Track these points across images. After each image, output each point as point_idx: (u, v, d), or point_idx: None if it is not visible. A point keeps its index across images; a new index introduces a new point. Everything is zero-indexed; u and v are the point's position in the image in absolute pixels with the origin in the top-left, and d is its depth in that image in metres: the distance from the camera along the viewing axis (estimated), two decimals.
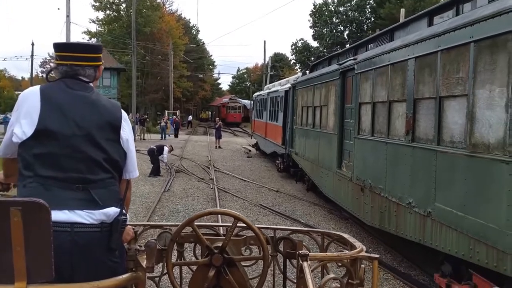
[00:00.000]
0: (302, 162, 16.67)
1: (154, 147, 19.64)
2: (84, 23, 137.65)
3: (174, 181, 17.94)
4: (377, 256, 3.07)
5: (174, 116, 50.47)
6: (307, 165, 15.79)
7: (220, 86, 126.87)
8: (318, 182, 14.28)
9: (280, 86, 24.11)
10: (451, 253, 6.23)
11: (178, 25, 70.17)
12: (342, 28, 68.96)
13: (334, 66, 12.82)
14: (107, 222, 2.54)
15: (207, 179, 18.51)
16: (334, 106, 12.32)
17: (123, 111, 2.83)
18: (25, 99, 2.61)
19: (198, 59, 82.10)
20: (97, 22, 62.89)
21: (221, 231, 3.83)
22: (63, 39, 31.09)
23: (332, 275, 3.01)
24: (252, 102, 42.91)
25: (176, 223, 3.63)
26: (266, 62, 65.25)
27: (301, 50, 74.01)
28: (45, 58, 74.30)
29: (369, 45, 11.23)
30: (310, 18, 71.08)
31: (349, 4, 67.56)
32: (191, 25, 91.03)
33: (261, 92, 32.65)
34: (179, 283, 3.70)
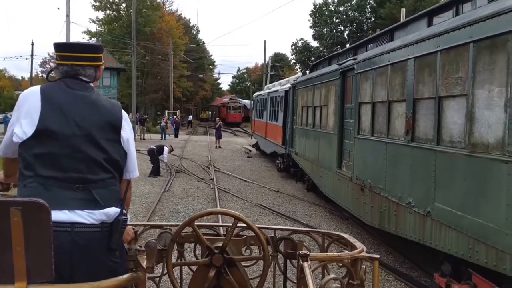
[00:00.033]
0: (302, 162, 16.68)
1: (154, 147, 19.62)
2: (84, 23, 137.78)
3: (174, 181, 17.91)
4: (377, 256, 3.06)
5: (174, 116, 50.44)
6: (307, 165, 15.80)
7: (220, 86, 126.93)
8: (318, 182, 14.29)
9: (280, 86, 24.11)
10: (451, 252, 6.24)
11: (178, 25, 70.15)
12: (342, 28, 68.88)
13: (334, 66, 12.83)
14: (108, 222, 2.55)
15: (207, 179, 18.48)
16: (334, 106, 12.32)
17: (123, 111, 2.83)
18: (25, 99, 2.61)
19: (198, 59, 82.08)
20: (97, 22, 62.99)
21: (221, 231, 3.83)
22: (63, 39, 31.13)
23: (332, 276, 3.01)
24: (252, 102, 42.91)
25: (176, 223, 3.61)
26: (266, 62, 65.26)
27: (301, 50, 73.94)
28: (45, 58, 74.37)
29: (369, 45, 11.24)
30: (310, 18, 71.02)
31: (349, 4, 67.47)
32: (191, 25, 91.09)
33: (261, 92, 32.64)
34: (179, 283, 3.69)
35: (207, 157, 26.49)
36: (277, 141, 22.12)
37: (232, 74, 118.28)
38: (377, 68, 9.22)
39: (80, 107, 2.62)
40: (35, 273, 2.09)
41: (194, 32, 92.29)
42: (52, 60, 66.20)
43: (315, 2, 70.30)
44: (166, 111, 54.62)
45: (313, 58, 56.03)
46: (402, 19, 21.55)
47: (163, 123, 42.16)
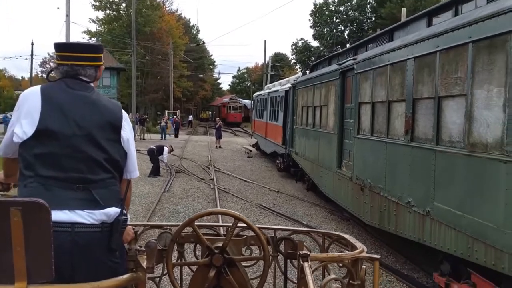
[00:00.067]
0: (302, 162, 16.69)
1: (154, 147, 19.59)
2: (84, 23, 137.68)
3: (174, 181, 17.89)
4: (378, 256, 3.05)
5: (175, 116, 50.42)
6: (307, 165, 15.81)
7: (221, 86, 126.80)
8: (318, 182, 14.29)
9: (280, 86, 24.12)
10: (450, 252, 6.26)
11: (178, 24, 70.09)
12: (342, 28, 68.86)
13: (334, 66, 12.84)
14: (108, 222, 2.55)
15: (208, 180, 18.45)
16: (334, 106, 12.34)
17: (123, 111, 2.83)
18: (25, 99, 2.61)
19: (198, 58, 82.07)
20: (97, 22, 62.93)
21: (222, 231, 3.82)
22: (62, 39, 31.15)
23: (333, 276, 3.00)
24: (252, 102, 42.91)
25: (177, 223, 3.61)
26: (266, 62, 65.25)
27: (302, 50, 73.92)
28: (45, 58, 74.36)
29: (369, 45, 11.24)
30: (311, 18, 70.99)
31: (349, 3, 67.45)
32: (191, 24, 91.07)
33: (261, 92, 32.64)
34: (179, 283, 3.68)
35: (207, 157, 26.47)
36: (277, 141, 22.13)
37: (232, 74, 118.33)
38: (376, 68, 9.24)
39: (80, 107, 2.62)
40: (35, 273, 2.09)
41: (194, 32, 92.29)
42: (52, 60, 66.19)
43: (315, 2, 70.39)
44: (166, 111, 54.60)
45: (313, 58, 56.02)
46: (403, 18, 21.52)
47: (163, 123, 42.14)
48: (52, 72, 2.97)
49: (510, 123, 5.10)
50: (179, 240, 3.53)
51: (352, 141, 10.79)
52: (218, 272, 3.26)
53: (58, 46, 2.78)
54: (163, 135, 40.72)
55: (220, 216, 10.22)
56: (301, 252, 2.80)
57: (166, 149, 20.21)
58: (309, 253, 2.78)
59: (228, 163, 24.65)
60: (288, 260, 3.72)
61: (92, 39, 58.47)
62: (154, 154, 19.34)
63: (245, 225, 3.32)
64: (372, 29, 56.27)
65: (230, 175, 19.98)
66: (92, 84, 2.78)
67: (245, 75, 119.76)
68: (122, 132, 2.73)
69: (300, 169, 17.51)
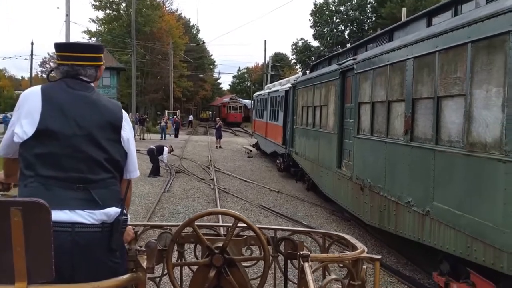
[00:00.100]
0: (302, 161, 16.70)
1: (154, 147, 19.56)
2: (84, 23, 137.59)
3: (174, 181, 17.85)
4: (378, 257, 3.04)
5: (175, 116, 50.40)
6: (307, 165, 15.82)
7: (221, 85, 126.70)
8: (318, 182, 14.31)
9: (281, 86, 24.12)
10: (449, 251, 6.27)
11: (178, 24, 70.04)
12: (342, 28, 68.85)
13: (334, 66, 12.85)
14: (108, 222, 2.55)
15: (208, 180, 18.42)
16: (334, 106, 12.35)
17: (123, 111, 2.84)
18: (26, 99, 2.62)
19: (199, 58, 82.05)
20: (97, 22, 62.89)
21: (222, 231, 3.82)
22: (62, 39, 31.22)
23: (333, 276, 2.99)
24: (252, 102, 42.92)
25: (177, 223, 3.60)
26: (266, 62, 65.24)
27: (302, 49, 73.93)
28: (45, 58, 74.37)
29: (369, 45, 11.25)
30: (311, 18, 70.98)
31: (349, 3, 67.44)
32: (191, 24, 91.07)
33: (261, 92, 32.62)
34: (179, 283, 3.68)
35: (207, 157, 26.45)
36: (277, 141, 22.13)
37: (233, 74, 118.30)
38: (376, 68, 9.25)
39: (80, 107, 2.62)
40: (35, 273, 2.09)
41: (194, 32, 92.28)
42: (52, 60, 66.24)
43: (315, 1, 70.40)
44: (166, 111, 54.59)
45: (313, 57, 56.04)
46: (404, 18, 21.52)
47: (163, 123, 42.11)
48: (53, 72, 2.97)
49: (509, 123, 5.12)
50: (179, 240, 3.52)
51: (352, 141, 10.80)
52: (218, 272, 3.25)
53: (58, 46, 2.79)
54: (163, 135, 40.69)
55: (220, 216, 10.21)
56: (301, 252, 2.79)
57: (166, 149, 20.19)
58: (309, 253, 2.78)
59: (228, 163, 24.63)
60: (289, 261, 3.71)
61: (92, 39, 58.50)
62: (154, 154, 19.31)
63: (245, 225, 3.31)
64: (373, 29, 56.24)
65: (230, 175, 19.96)
66: (92, 84, 2.78)
67: (245, 75, 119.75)
68: (122, 132, 2.73)
69: (300, 169, 17.51)
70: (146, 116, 48.45)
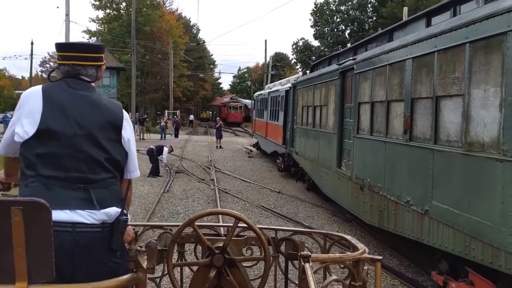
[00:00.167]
0: (302, 161, 16.72)
1: (154, 147, 19.51)
2: (84, 22, 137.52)
3: (174, 181, 17.81)
4: (379, 257, 3.03)
5: (175, 116, 50.35)
6: (308, 165, 15.84)
7: (221, 85, 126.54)
8: (318, 181, 14.32)
9: (281, 85, 24.13)
10: (448, 250, 6.30)
11: (178, 24, 69.94)
12: (343, 27, 68.77)
13: (334, 66, 12.87)
14: (108, 222, 2.56)
15: (208, 180, 18.38)
16: (334, 106, 12.37)
17: (124, 111, 2.84)
18: (27, 98, 2.63)
19: (199, 58, 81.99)
20: (97, 21, 62.82)
21: (222, 231, 3.81)
22: (62, 38, 31.24)
23: (334, 277, 2.98)
24: (253, 101, 42.91)
25: (177, 224, 3.58)
26: (267, 62, 65.21)
27: (302, 49, 73.84)
28: (45, 57, 74.28)
29: (369, 45, 11.27)
30: (311, 17, 70.92)
31: (350, 3, 67.34)
32: (191, 24, 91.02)
33: (262, 92, 32.61)
34: (179, 284, 3.67)
35: (207, 157, 26.42)
36: (278, 140, 22.14)
37: (233, 73, 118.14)
38: (376, 68, 9.28)
39: (81, 107, 2.63)
40: (35, 273, 2.10)
41: (194, 31, 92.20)
42: (52, 60, 66.18)
43: (316, 1, 70.26)
44: (166, 111, 54.55)
45: (314, 57, 56.01)
46: (405, 18, 21.54)
47: (163, 123, 42.06)
48: (54, 72, 2.99)
49: (506, 123, 5.15)
50: (180, 240, 3.52)
51: (351, 140, 10.82)
52: (219, 272, 3.24)
53: (59, 46, 2.80)
54: (163, 135, 40.66)
55: (220, 216, 10.21)
56: (302, 253, 2.78)
57: (166, 149, 20.16)
58: (310, 253, 2.77)
59: (228, 163, 24.59)
60: (289, 261, 3.70)
61: (92, 38, 58.47)
62: (154, 154, 19.27)
63: (245, 225, 3.30)
64: (373, 29, 56.19)
65: (231, 176, 19.91)
66: (93, 84, 2.79)
67: (246, 75, 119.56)
68: (123, 132, 2.74)
69: (300, 169, 17.52)
70: (146, 116, 48.42)
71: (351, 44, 20.40)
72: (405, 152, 7.74)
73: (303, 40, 75.06)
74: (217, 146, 33.65)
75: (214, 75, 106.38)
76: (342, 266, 3.33)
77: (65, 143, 2.53)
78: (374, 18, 65.04)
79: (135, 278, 2.63)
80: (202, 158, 26.47)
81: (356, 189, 10.23)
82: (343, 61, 11.90)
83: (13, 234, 2.00)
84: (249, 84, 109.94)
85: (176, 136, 43.77)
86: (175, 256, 3.53)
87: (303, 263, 2.72)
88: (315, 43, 71.91)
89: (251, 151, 29.68)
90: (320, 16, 69.45)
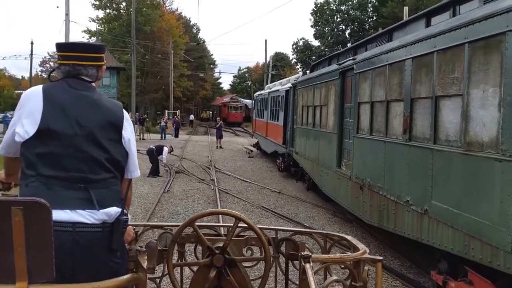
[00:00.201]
0: (302, 161, 16.73)
1: (153, 147, 19.47)
2: (84, 22, 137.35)
3: (174, 182, 17.77)
4: (380, 258, 3.01)
5: (175, 116, 50.32)
6: (308, 164, 15.85)
7: (221, 85, 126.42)
8: (318, 181, 14.33)
9: (281, 85, 24.14)
10: (447, 249, 6.31)
11: (179, 23, 69.90)
12: (343, 27, 68.80)
13: (334, 66, 12.89)
14: (109, 222, 2.56)
15: (208, 180, 18.34)
16: (334, 106, 12.38)
17: (124, 111, 2.84)
18: (27, 98, 2.63)
19: (199, 58, 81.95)
20: (97, 21, 62.78)
21: (222, 231, 3.80)
22: (62, 38, 31.26)
23: (334, 277, 2.96)
24: (253, 101, 42.93)
25: (177, 224, 3.58)
26: (267, 61, 65.19)
27: (302, 49, 73.84)
28: (45, 57, 74.20)
29: (369, 45, 11.29)
30: (311, 17, 70.93)
31: (350, 2, 67.36)
32: (191, 23, 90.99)
33: (262, 92, 32.60)
34: (180, 284, 3.67)
35: (207, 158, 26.40)
36: (278, 140, 22.14)
37: (233, 73, 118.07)
38: (375, 68, 9.29)
39: (82, 106, 2.63)
40: (36, 273, 2.10)
41: (195, 31, 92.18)
42: (52, 60, 66.16)
43: (316, 1, 70.29)
44: (166, 111, 54.53)
45: (314, 57, 55.96)
46: (405, 17, 21.52)
47: (163, 123, 42.03)
48: (54, 72, 2.99)
49: (505, 123, 5.16)
50: (180, 240, 3.51)
51: (351, 140, 10.83)
52: (219, 272, 3.24)
53: (59, 46, 2.80)
54: (163, 135, 40.64)
55: (220, 216, 10.21)
56: (302, 253, 2.78)
57: (166, 149, 20.12)
58: (310, 254, 2.77)
59: (228, 163, 24.57)
60: (290, 261, 3.69)
61: (92, 38, 58.45)
62: (154, 154, 19.24)
63: (246, 225, 3.29)
64: (374, 28, 56.13)
65: (231, 176, 19.87)
66: (93, 84, 2.80)
67: (246, 75, 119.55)
68: (123, 132, 2.74)
69: (300, 169, 17.53)
70: (146, 116, 48.40)
71: (351, 44, 20.39)
72: (404, 152, 7.75)
73: (303, 40, 75.14)
74: (217, 146, 33.62)
75: (214, 75, 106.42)
76: (342, 266, 3.31)
77: (66, 143, 2.53)
78: (375, 18, 65.03)
79: (135, 278, 2.63)
80: (202, 158, 26.45)
81: (356, 189, 10.24)
82: (343, 61, 11.92)
83: (14, 234, 2.00)
84: (249, 84, 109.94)
85: (176, 136, 43.74)
86: (175, 256, 3.52)
87: (303, 264, 2.71)
88: (316, 43, 72.03)
89: (251, 151, 29.66)
90: (320, 16, 69.45)
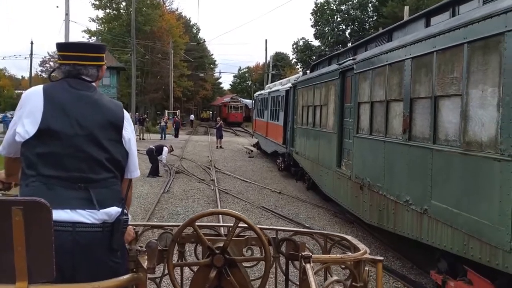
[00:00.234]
0: (302, 161, 16.74)
1: (153, 147, 19.43)
2: (84, 22, 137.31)
3: (173, 182, 17.74)
4: (381, 258, 3.00)
5: (175, 116, 50.30)
6: (308, 164, 15.86)
7: (221, 85, 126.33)
8: (318, 181, 14.34)
9: (281, 85, 24.14)
10: (446, 249, 6.33)
11: (179, 23, 69.84)
12: (344, 27, 68.79)
13: (333, 66, 12.90)
14: (109, 222, 2.56)
15: (208, 180, 18.30)
16: (334, 106, 12.39)
17: (125, 111, 2.84)
18: (28, 98, 2.63)
19: (199, 58, 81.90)
20: (96, 21, 62.74)
21: (223, 231, 3.79)
22: (62, 38, 31.25)
23: (335, 278, 2.97)
24: (253, 101, 42.95)
25: (177, 224, 3.56)
26: (267, 61, 65.17)
27: (303, 49, 73.82)
28: (45, 57, 74.26)
29: (368, 46, 11.30)
30: (312, 17, 70.92)
31: (351, 2, 67.32)
32: (191, 23, 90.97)
33: (262, 92, 32.59)
34: (180, 284, 3.66)
35: (207, 158, 26.38)
36: (278, 140, 22.15)
37: (233, 73, 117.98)
38: (375, 68, 9.31)
39: (82, 106, 2.63)
40: (36, 273, 2.10)
41: (195, 31, 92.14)
42: (51, 60, 66.16)
43: (316, 0, 70.24)
44: (166, 111, 54.50)
45: (314, 57, 55.92)
46: (406, 17, 21.51)
47: (163, 123, 42.00)
48: (55, 71, 2.99)
49: (504, 122, 5.18)
50: (180, 240, 3.50)
51: (351, 140, 10.85)
52: (219, 272, 3.22)
53: (60, 46, 2.81)
54: (163, 135, 40.61)
55: (220, 216, 10.21)
56: (303, 253, 2.77)
57: (165, 149, 20.07)
58: (311, 254, 2.76)
59: (229, 163, 24.55)
60: (290, 262, 3.68)
61: (92, 38, 58.43)
62: (153, 154, 19.19)
63: (246, 225, 3.28)
64: (374, 28, 56.08)
65: (231, 176, 19.84)
66: (94, 84, 2.80)
67: (246, 75, 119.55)
68: (124, 132, 2.74)
69: (300, 169, 17.54)
70: (145, 116, 48.38)
71: (351, 44, 20.38)
72: (404, 151, 7.76)
73: (304, 40, 75.10)
74: (217, 146, 33.60)
75: (215, 75, 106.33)
76: (343, 267, 3.29)
77: (66, 143, 2.53)
78: (375, 18, 64.99)
79: (135, 278, 2.63)
80: (202, 158, 26.43)
81: (356, 188, 10.25)
82: (343, 61, 11.93)
83: (14, 234, 2.01)
84: (249, 84, 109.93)
85: (176, 136, 43.71)
86: (175, 256, 3.51)
87: (304, 264, 2.70)
88: (316, 42, 71.99)
89: (252, 151, 29.66)
90: (320, 15, 69.43)
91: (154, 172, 18.95)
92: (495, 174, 5.32)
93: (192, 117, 73.62)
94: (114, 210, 2.60)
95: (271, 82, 41.94)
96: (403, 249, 9.48)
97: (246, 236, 3.58)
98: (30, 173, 2.51)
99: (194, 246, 3.94)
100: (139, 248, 2.90)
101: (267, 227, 3.98)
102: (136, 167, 2.90)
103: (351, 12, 67.67)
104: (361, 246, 3.15)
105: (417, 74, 7.40)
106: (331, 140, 12.47)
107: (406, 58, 7.75)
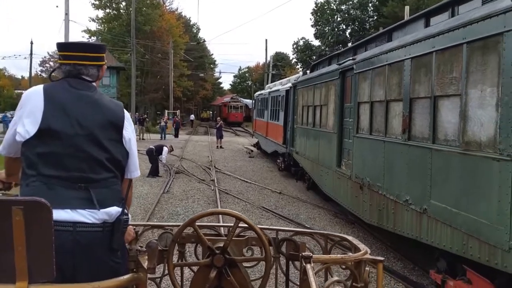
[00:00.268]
0: (302, 161, 16.75)
1: (153, 147, 19.39)
2: (84, 22, 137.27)
3: (173, 182, 17.72)
4: (381, 258, 2.99)
5: (175, 116, 50.26)
6: (308, 164, 15.87)
7: (222, 85, 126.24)
8: (318, 181, 14.35)
9: (281, 85, 24.14)
10: (446, 248, 6.34)
11: (179, 23, 69.76)
12: (344, 27, 68.75)
13: (333, 66, 12.91)
14: (109, 222, 2.57)
15: (208, 180, 18.28)
16: (334, 106, 12.40)
17: (125, 111, 2.84)
18: (28, 98, 2.63)
19: (199, 57, 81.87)
20: (96, 21, 62.69)
21: (223, 231, 3.78)
22: (61, 38, 31.26)
23: (335, 278, 2.95)
24: (253, 101, 42.90)
25: (178, 224, 3.56)
26: (267, 61, 65.15)
27: (303, 49, 73.77)
28: (45, 57, 74.31)
29: (368, 46, 11.31)
30: (312, 17, 70.89)
31: (351, 2, 67.28)
32: (191, 23, 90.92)
33: (262, 92, 32.58)
34: (180, 284, 3.65)
35: (207, 158, 26.36)
36: (278, 140, 22.15)
37: (233, 73, 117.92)
38: (375, 68, 9.32)
39: (82, 106, 2.64)
40: (36, 273, 2.10)
41: (195, 31, 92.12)
42: (51, 59, 66.15)
43: (316, 0, 70.21)
44: (166, 111, 54.47)
45: (314, 57, 55.89)
46: (406, 17, 21.49)
47: (163, 123, 41.96)
48: (55, 71, 2.99)
49: (503, 122, 5.20)
50: (180, 240, 3.50)
51: (351, 140, 10.86)
52: (219, 272, 3.21)
53: (60, 46, 2.81)
54: (163, 135, 40.58)
55: (221, 216, 10.20)
56: (303, 253, 2.77)
57: (165, 149, 20.03)
58: (311, 254, 2.75)
59: (229, 163, 24.53)
60: (290, 262, 3.67)
61: (92, 38, 58.40)
62: (153, 154, 19.17)
63: (246, 225, 3.27)
64: (374, 28, 56.03)
65: (231, 176, 19.82)
66: (94, 84, 2.80)
67: (246, 75, 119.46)
68: (124, 132, 2.75)
69: (300, 168, 17.55)
70: (145, 115, 48.35)
71: (352, 44, 20.39)
72: (403, 151, 7.77)
73: (304, 40, 75.04)
74: (217, 146, 33.58)
75: (215, 74, 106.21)
76: (343, 267, 3.29)
77: (66, 143, 2.54)
78: (375, 18, 64.93)
79: (135, 278, 2.63)
80: (202, 158, 26.41)
81: (356, 188, 10.26)
82: (343, 61, 11.94)
83: (14, 234, 2.01)
84: (249, 84, 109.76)
85: (176, 136, 43.66)
86: (175, 256, 3.51)
87: (304, 264, 2.70)
88: (316, 42, 71.93)
89: (252, 151, 29.64)
90: (320, 15, 69.40)
91: (154, 172, 18.92)
92: (494, 174, 5.33)
93: (192, 117, 73.61)
94: (115, 210, 2.60)
95: (271, 82, 41.94)
96: (403, 249, 9.47)
97: (247, 236, 3.57)
98: (30, 173, 2.52)
99: (194, 246, 3.93)
100: (139, 248, 2.90)
101: (267, 227, 3.97)
102: (137, 167, 2.90)
103: (351, 12, 67.63)
104: (362, 247, 3.14)
105: (417, 74, 7.41)
106: (331, 140, 12.48)
107: (405, 58, 7.76)
